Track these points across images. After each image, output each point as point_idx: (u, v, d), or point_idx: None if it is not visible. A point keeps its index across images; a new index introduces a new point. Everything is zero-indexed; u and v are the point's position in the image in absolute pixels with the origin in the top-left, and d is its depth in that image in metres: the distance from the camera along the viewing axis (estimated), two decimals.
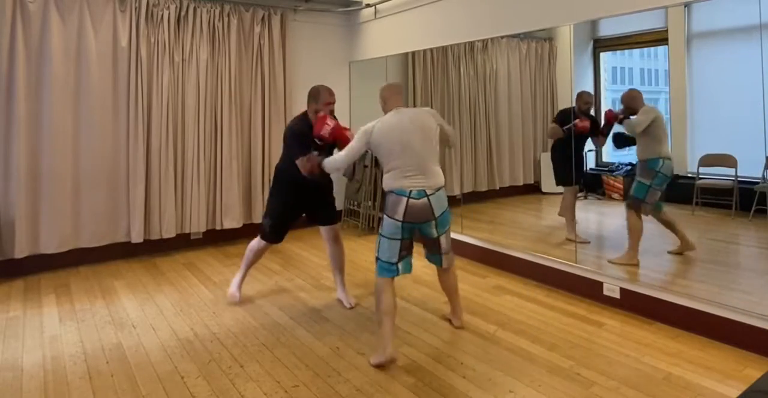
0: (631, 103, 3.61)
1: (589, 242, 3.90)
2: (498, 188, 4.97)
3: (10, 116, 3.93)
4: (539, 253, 3.80)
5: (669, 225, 3.43)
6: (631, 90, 3.76)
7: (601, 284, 3.34)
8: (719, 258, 3.42)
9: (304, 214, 3.44)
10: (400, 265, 2.71)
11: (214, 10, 4.82)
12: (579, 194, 4.24)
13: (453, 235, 4.53)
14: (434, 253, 2.88)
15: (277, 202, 3.35)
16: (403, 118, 2.74)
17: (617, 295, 3.25)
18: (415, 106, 5.44)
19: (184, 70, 4.68)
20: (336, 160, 2.86)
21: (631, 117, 3.55)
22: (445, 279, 2.98)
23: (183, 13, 4.65)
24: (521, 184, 4.87)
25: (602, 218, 4.26)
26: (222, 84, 4.86)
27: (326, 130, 2.99)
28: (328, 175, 3.20)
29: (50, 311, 3.36)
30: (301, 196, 3.32)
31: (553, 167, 4.21)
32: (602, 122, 3.91)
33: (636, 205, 3.47)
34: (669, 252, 3.46)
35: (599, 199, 4.27)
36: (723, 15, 3.33)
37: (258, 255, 3.45)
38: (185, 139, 4.68)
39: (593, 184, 4.29)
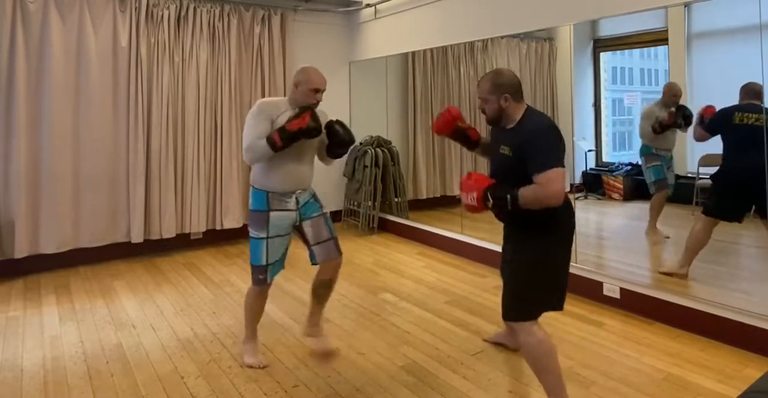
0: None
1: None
2: None
3: (10, 116, 3.93)
4: None
5: None
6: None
7: (601, 284, 3.34)
8: (719, 258, 3.42)
9: None
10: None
11: (214, 10, 4.82)
12: (578, 194, 4.25)
13: (453, 235, 4.58)
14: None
15: None
16: None
17: (617, 295, 3.25)
18: (414, 106, 5.44)
19: (184, 70, 4.68)
20: None
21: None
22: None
23: (183, 13, 4.65)
24: None
25: (602, 218, 4.26)
26: (222, 84, 4.86)
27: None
28: None
29: (50, 311, 3.36)
30: None
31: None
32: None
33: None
34: None
35: (599, 199, 4.27)
36: (723, 15, 3.32)
37: None
38: (185, 138, 4.68)
39: (593, 184, 4.29)
